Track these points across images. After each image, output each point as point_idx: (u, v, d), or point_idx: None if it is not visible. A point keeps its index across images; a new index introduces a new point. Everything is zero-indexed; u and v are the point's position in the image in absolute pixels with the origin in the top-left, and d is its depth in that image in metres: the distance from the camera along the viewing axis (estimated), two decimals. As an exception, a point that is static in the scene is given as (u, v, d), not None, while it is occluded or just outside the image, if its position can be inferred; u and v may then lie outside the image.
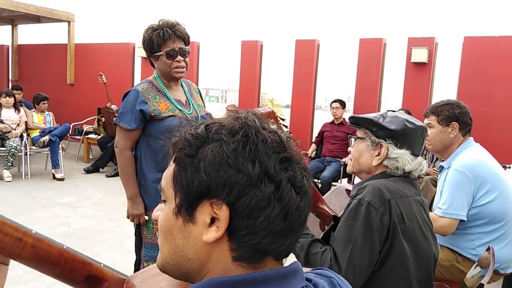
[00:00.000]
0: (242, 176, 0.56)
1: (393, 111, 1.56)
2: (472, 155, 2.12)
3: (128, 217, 2.12)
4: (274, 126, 0.63)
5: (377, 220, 1.32)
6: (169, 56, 2.02)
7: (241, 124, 0.60)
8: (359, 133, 1.55)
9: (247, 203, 0.56)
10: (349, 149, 1.60)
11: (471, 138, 2.22)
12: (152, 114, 2.03)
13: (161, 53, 2.02)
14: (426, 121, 2.26)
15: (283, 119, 1.89)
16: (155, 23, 2.04)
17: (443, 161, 2.24)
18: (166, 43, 2.01)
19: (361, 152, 1.52)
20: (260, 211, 0.56)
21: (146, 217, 2.10)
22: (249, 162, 0.57)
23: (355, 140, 1.57)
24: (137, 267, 2.19)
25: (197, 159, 0.58)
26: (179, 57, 2.03)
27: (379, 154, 1.47)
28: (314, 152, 5.82)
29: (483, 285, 1.47)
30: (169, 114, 2.06)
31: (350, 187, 1.86)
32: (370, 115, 1.53)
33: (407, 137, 1.45)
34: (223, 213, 0.57)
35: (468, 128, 2.19)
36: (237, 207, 0.56)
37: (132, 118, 2.02)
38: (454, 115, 2.16)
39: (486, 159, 2.14)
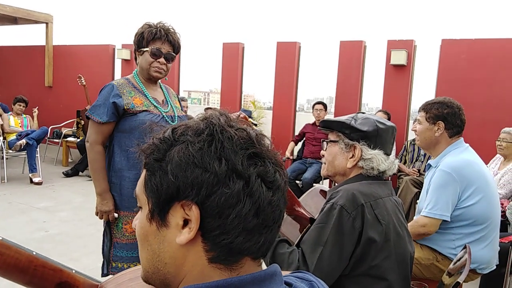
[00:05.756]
0: (209, 175, 0.56)
1: (363, 112, 1.57)
2: (459, 157, 2.13)
3: (96, 214, 2.08)
4: (244, 125, 0.62)
5: (349, 224, 1.33)
6: (153, 54, 2.02)
7: (206, 123, 0.60)
8: (332, 137, 1.56)
9: (216, 201, 0.56)
10: (322, 152, 1.60)
11: (461, 139, 2.21)
12: (125, 107, 1.99)
13: (147, 49, 2.01)
14: (417, 116, 2.27)
15: (255, 125, 1.87)
16: (153, 22, 2.04)
17: (422, 162, 2.27)
18: (154, 42, 2.01)
19: (335, 155, 1.53)
20: (231, 208, 0.56)
21: (116, 215, 2.07)
22: (215, 160, 0.56)
23: (327, 144, 1.57)
24: (105, 267, 2.13)
25: (165, 162, 0.58)
26: (162, 59, 2.04)
27: (353, 156, 1.48)
28: (296, 153, 5.85)
29: (460, 283, 1.48)
30: (143, 109, 2.02)
31: (325, 188, 1.86)
32: (342, 118, 1.54)
33: (379, 138, 1.47)
34: (193, 213, 0.56)
35: (456, 130, 2.18)
36: (207, 206, 0.56)
37: (105, 111, 1.98)
38: (442, 115, 2.16)
39: (473, 160, 2.14)
